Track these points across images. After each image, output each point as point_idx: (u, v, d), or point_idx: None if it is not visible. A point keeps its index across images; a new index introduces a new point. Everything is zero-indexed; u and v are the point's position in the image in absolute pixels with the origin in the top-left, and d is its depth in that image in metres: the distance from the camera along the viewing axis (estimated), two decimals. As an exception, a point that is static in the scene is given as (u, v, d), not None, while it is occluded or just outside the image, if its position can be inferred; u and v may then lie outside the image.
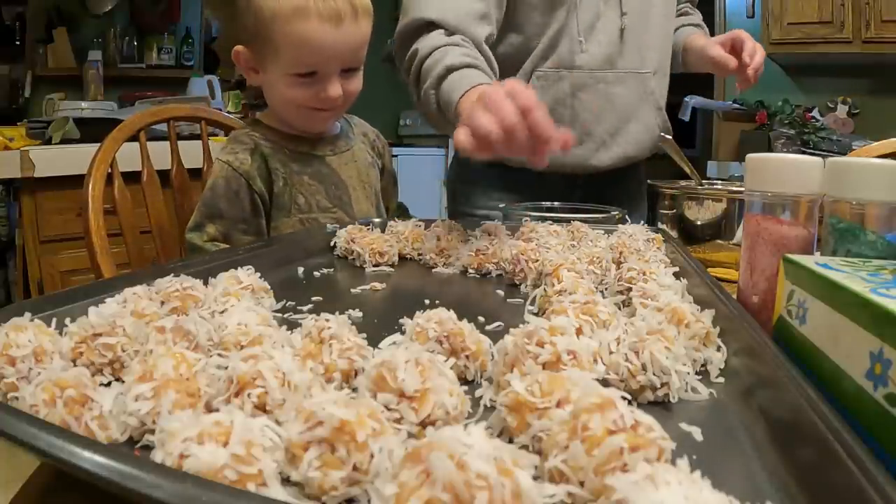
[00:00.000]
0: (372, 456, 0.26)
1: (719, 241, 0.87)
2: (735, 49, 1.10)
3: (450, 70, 0.89)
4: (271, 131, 0.95)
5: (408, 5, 1.00)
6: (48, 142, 2.01)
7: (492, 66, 0.97)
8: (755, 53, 1.09)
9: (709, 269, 0.67)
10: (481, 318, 0.52)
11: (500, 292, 0.64)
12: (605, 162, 1.14)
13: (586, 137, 1.12)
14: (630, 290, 0.53)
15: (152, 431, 0.30)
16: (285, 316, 0.53)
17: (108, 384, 0.37)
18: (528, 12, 1.07)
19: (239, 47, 0.92)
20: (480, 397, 0.37)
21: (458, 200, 1.24)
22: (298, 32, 0.83)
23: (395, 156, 3.60)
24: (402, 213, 1.13)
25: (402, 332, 0.43)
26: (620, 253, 0.69)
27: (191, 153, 1.23)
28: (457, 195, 1.24)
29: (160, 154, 1.15)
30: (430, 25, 0.96)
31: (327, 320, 0.40)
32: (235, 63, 0.94)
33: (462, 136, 0.64)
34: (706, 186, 1.02)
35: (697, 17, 1.31)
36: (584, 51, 1.07)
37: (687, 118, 2.67)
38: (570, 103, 1.09)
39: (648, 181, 1.02)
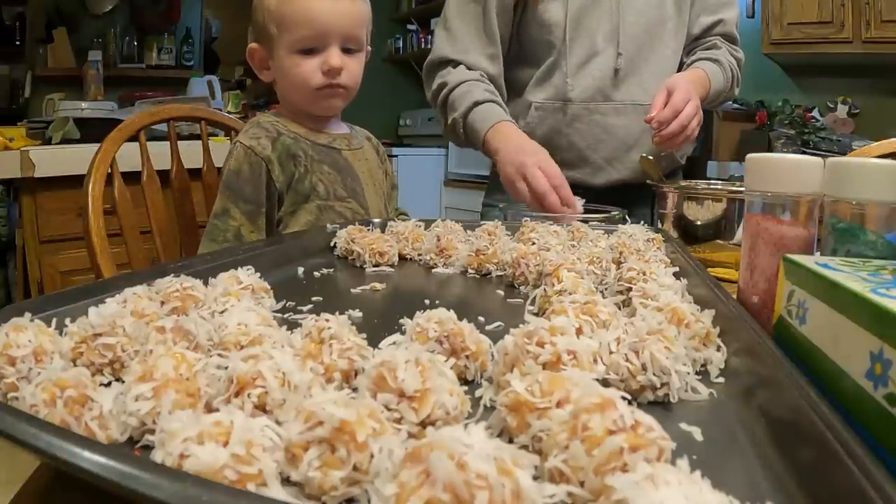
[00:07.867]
0: (372, 456, 0.26)
1: (719, 241, 0.87)
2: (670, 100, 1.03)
3: (477, 104, 1.11)
4: (292, 122, 0.99)
5: (434, 42, 1.22)
6: (48, 142, 2.01)
7: (503, 96, 1.18)
8: (678, 112, 1.01)
9: (709, 269, 0.67)
10: (481, 318, 0.52)
11: (500, 292, 0.64)
12: (603, 185, 1.18)
13: (582, 163, 1.18)
14: (630, 290, 0.53)
15: (152, 431, 0.30)
16: (285, 316, 0.53)
17: (108, 384, 0.37)
18: (531, 47, 1.18)
19: (252, 45, 0.98)
20: (480, 397, 0.37)
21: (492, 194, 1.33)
22: (301, 7, 0.91)
23: (395, 156, 3.60)
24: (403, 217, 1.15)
25: (402, 332, 0.43)
26: (620, 253, 0.69)
27: (191, 153, 1.24)
28: (493, 189, 1.32)
29: (160, 154, 1.15)
30: (452, 62, 1.17)
31: (327, 320, 0.40)
32: (250, 62, 1.01)
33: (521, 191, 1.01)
34: (706, 186, 1.02)
35: (721, 52, 1.20)
36: (573, 87, 1.13)
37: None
38: (566, 132, 1.16)
39: (647, 181, 1.02)
